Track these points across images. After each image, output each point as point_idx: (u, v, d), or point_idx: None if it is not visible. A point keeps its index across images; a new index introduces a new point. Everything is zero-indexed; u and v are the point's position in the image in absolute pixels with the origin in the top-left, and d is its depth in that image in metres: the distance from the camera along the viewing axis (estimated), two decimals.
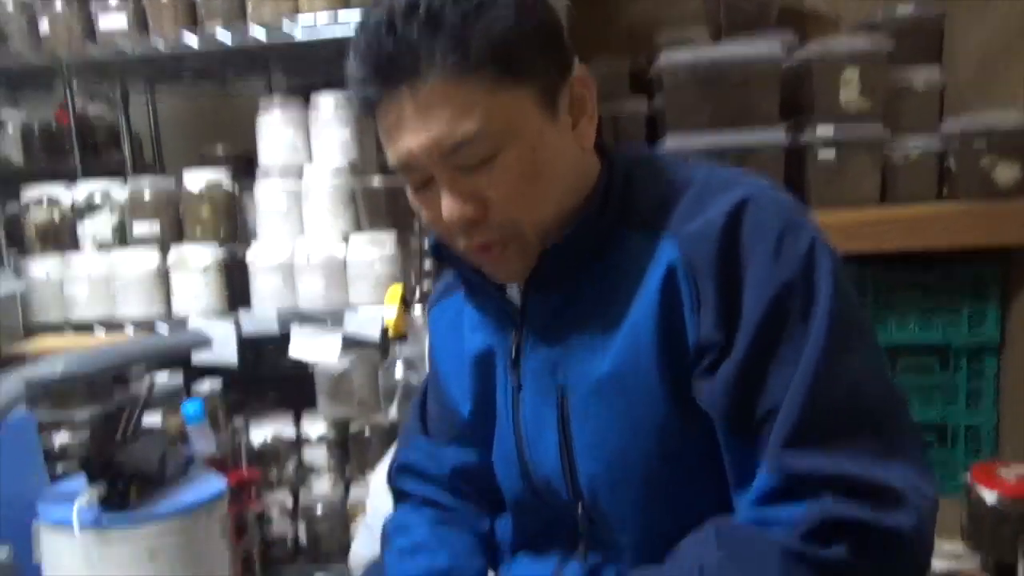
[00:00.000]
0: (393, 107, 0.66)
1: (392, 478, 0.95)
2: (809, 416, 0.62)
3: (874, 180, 1.72)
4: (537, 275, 0.74)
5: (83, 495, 1.13)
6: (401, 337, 1.62)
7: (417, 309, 1.65)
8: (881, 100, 1.69)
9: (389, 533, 0.91)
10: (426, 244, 1.66)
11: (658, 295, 0.69)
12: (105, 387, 1.61)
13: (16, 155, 2.22)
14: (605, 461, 0.73)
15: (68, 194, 1.84)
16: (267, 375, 1.98)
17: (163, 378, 1.58)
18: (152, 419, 1.52)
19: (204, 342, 1.32)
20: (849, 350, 0.64)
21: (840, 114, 1.69)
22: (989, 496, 1.50)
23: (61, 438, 1.45)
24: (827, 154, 1.71)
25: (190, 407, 1.52)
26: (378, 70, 0.66)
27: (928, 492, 0.61)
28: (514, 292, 0.80)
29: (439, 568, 0.84)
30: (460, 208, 0.68)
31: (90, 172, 2.09)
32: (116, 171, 2.18)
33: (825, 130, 1.69)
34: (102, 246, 1.82)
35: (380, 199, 1.75)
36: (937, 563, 1.48)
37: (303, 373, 1.89)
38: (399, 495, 0.95)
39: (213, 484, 1.29)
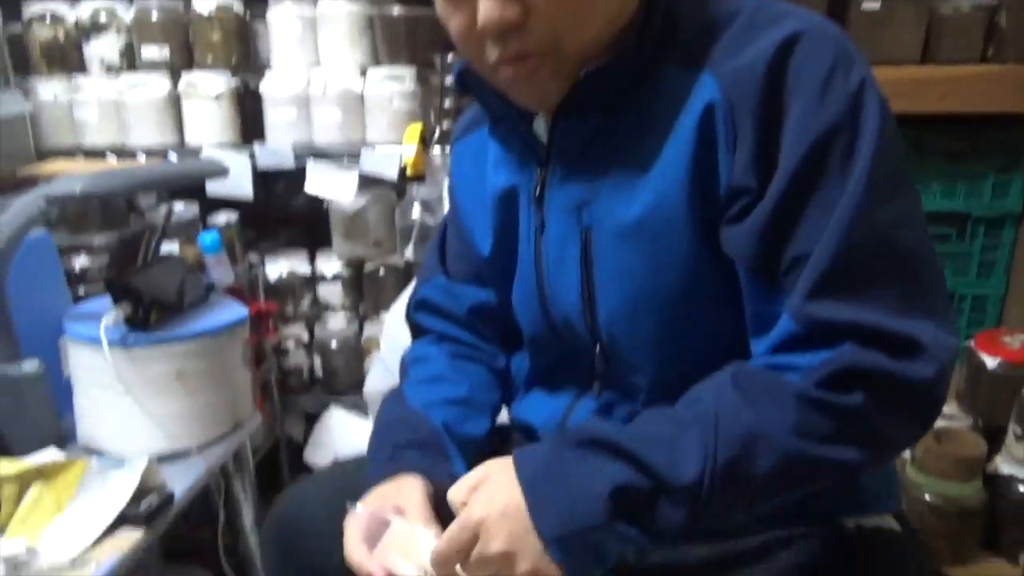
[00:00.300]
0: None
1: (410, 313, 0.96)
2: (838, 265, 0.60)
3: (918, 36, 1.63)
4: (567, 105, 0.71)
5: (109, 313, 1.15)
6: (419, 178, 1.60)
7: (436, 150, 1.62)
8: None
9: (408, 364, 0.93)
10: (448, 80, 1.60)
11: (694, 133, 0.65)
12: (121, 214, 1.60)
13: None
14: (626, 299, 0.72)
15: (72, 12, 1.75)
16: (281, 212, 1.98)
17: (179, 208, 1.57)
18: (169, 248, 1.53)
19: (222, 171, 1.29)
20: (888, 199, 0.62)
21: None
22: (990, 361, 1.52)
23: (80, 262, 1.46)
24: (872, 4, 1.62)
25: (207, 237, 1.53)
26: None
27: (950, 345, 0.61)
28: (541, 127, 0.77)
29: (458, 397, 0.86)
30: (500, 9, 0.63)
31: None
32: None
33: None
34: (110, 69, 1.75)
35: (400, 29, 1.67)
36: None
37: (318, 211, 1.88)
38: (417, 330, 0.96)
39: (235, 310, 1.30)
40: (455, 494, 0.67)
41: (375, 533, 0.70)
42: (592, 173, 0.73)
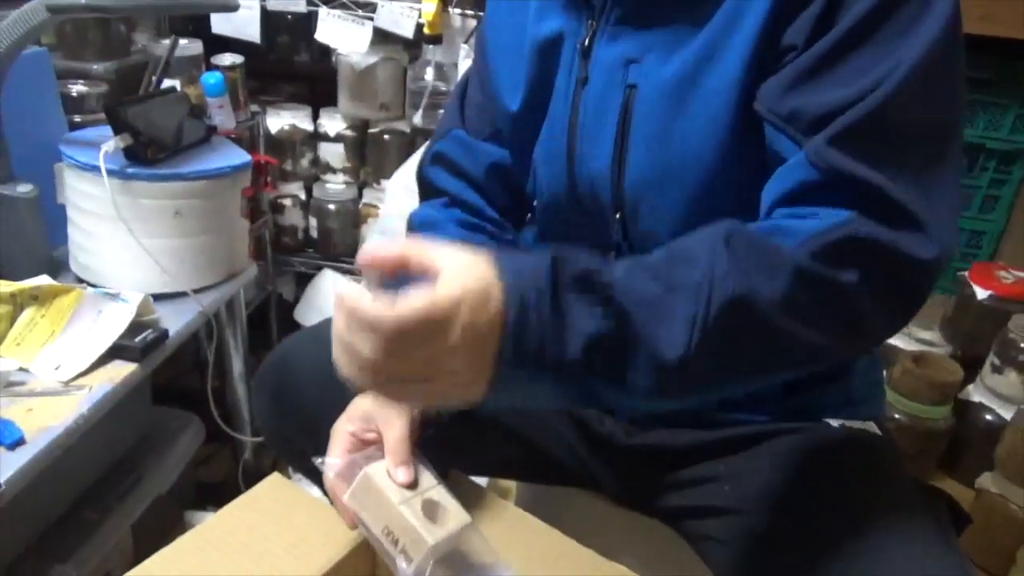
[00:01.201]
0: None
1: (424, 167, 0.92)
2: (874, 121, 0.58)
3: None
4: None
5: (109, 142, 1.11)
6: (435, 39, 1.53)
7: (457, 10, 1.54)
8: None
9: (415, 227, 0.90)
10: None
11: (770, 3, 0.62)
12: (122, 41, 1.52)
13: None
14: (657, 164, 0.70)
15: None
16: (285, 67, 1.89)
17: (182, 43, 1.50)
18: (171, 85, 1.46)
19: (231, 4, 1.23)
20: (942, 81, 0.60)
21: None
22: (981, 293, 1.54)
23: (77, 88, 1.39)
24: None
25: (211, 79, 1.47)
26: None
27: (951, 237, 0.60)
28: None
29: None
30: None
31: None
32: None
33: None
34: None
35: None
36: (907, 345, 1.55)
37: (324, 69, 1.81)
38: (428, 189, 0.92)
39: (237, 155, 1.27)
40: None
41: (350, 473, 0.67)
42: (647, 29, 0.70)
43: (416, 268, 0.54)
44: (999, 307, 1.50)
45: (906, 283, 0.60)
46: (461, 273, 0.52)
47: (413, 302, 0.50)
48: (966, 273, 1.59)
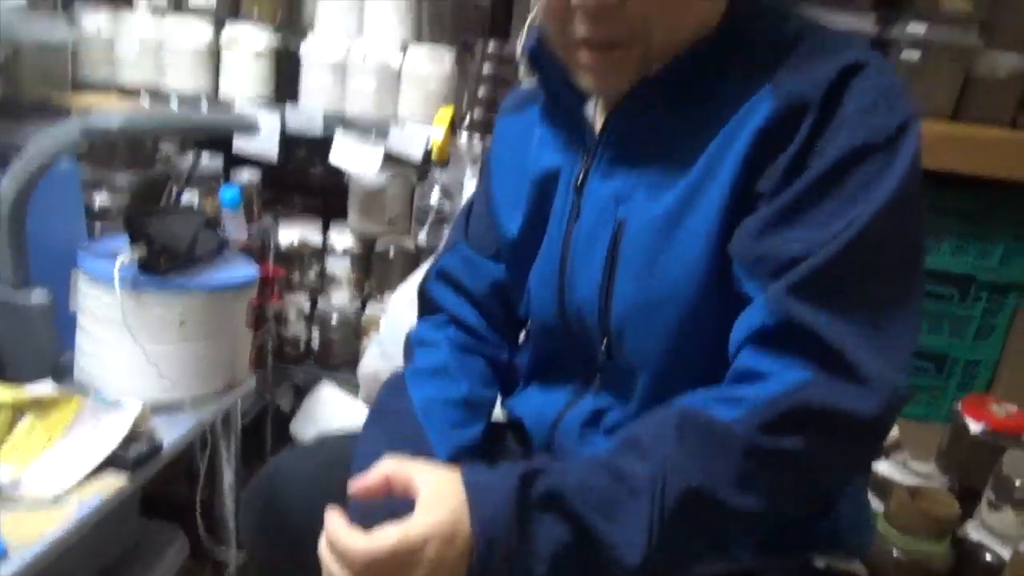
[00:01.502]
0: None
1: (428, 282, 0.96)
2: (831, 272, 0.61)
3: (952, 92, 1.64)
4: (629, 99, 0.73)
5: (125, 253, 1.15)
6: (443, 162, 1.61)
7: (464, 136, 1.63)
8: (985, 7, 1.58)
9: (412, 346, 0.93)
10: (485, 69, 1.61)
11: (750, 145, 0.67)
12: (148, 155, 1.61)
13: None
14: (642, 295, 0.74)
15: None
16: (302, 178, 1.98)
17: (204, 159, 1.58)
18: (190, 197, 1.53)
19: (254, 127, 1.30)
20: (900, 237, 0.64)
21: (936, 13, 1.58)
22: (975, 426, 1.54)
23: (101, 199, 1.46)
24: (911, 55, 1.63)
25: (228, 192, 1.54)
26: None
27: (903, 389, 0.62)
28: (593, 114, 0.79)
29: (456, 397, 0.86)
30: None
31: None
32: None
33: (916, 28, 1.59)
34: (156, 10, 1.75)
35: (445, 9, 1.67)
36: (903, 478, 1.54)
37: (338, 182, 1.89)
38: (429, 304, 0.96)
39: (246, 269, 1.32)
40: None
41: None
42: (637, 168, 0.75)
43: (398, 491, 0.61)
44: (993, 441, 1.50)
45: (853, 441, 0.62)
46: (434, 505, 0.59)
47: (385, 536, 0.58)
48: (959, 404, 1.59)
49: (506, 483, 0.60)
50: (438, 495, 0.60)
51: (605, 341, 0.78)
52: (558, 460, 0.69)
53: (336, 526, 0.61)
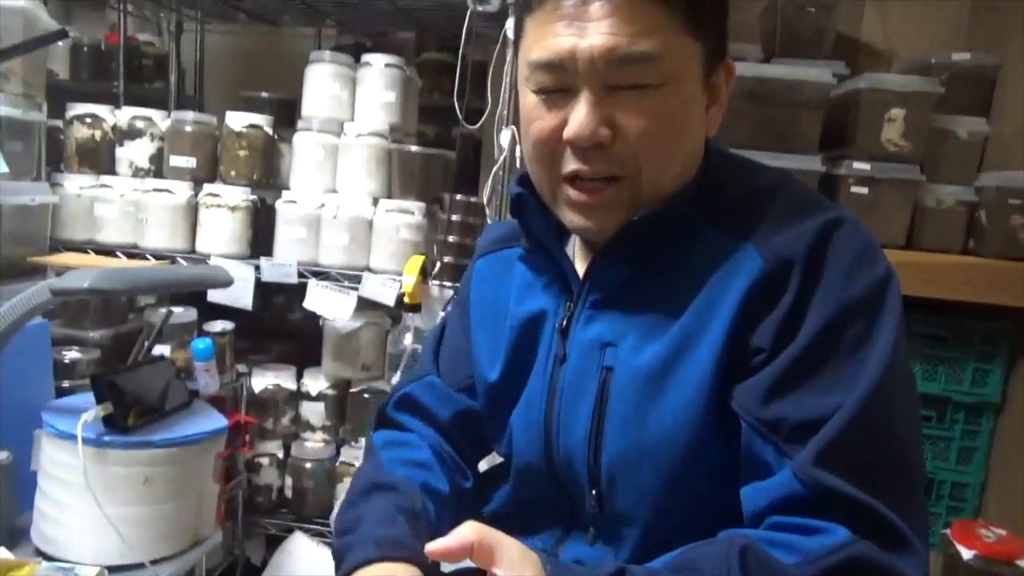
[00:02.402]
0: (578, 1, 0.66)
1: (389, 408, 0.92)
2: (848, 439, 0.62)
3: (903, 222, 1.72)
4: (612, 244, 0.74)
5: (90, 411, 1.15)
6: (415, 307, 1.64)
7: (435, 282, 1.67)
8: (923, 144, 1.69)
9: (378, 447, 0.88)
10: (454, 218, 1.68)
11: (739, 304, 0.68)
12: (120, 311, 1.63)
13: (62, 71, 2.24)
14: (632, 445, 0.73)
15: (112, 116, 1.86)
16: (276, 325, 2.00)
17: (177, 311, 1.60)
18: (162, 350, 1.54)
19: (227, 280, 1.33)
20: (898, 392, 0.65)
21: (879, 152, 1.69)
22: (966, 553, 1.51)
23: (71, 355, 1.47)
24: (860, 189, 1.72)
25: (200, 344, 1.55)
26: None
27: (927, 549, 0.63)
28: (576, 259, 0.80)
29: (440, 490, 0.82)
30: (595, 125, 0.67)
31: (131, 98, 2.10)
32: (157, 100, 2.21)
33: (862, 166, 1.69)
34: (137, 173, 1.83)
35: (415, 166, 1.76)
36: None
37: (312, 328, 1.91)
38: (389, 425, 0.91)
39: (214, 421, 1.31)
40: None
41: None
42: (622, 315, 0.75)
43: (481, 560, 0.59)
44: (985, 568, 1.46)
45: None
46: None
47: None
48: (948, 531, 1.56)
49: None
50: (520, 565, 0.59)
51: (595, 492, 0.76)
52: None
53: None
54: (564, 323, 0.78)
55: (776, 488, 0.64)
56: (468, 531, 0.59)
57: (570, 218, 0.74)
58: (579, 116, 0.67)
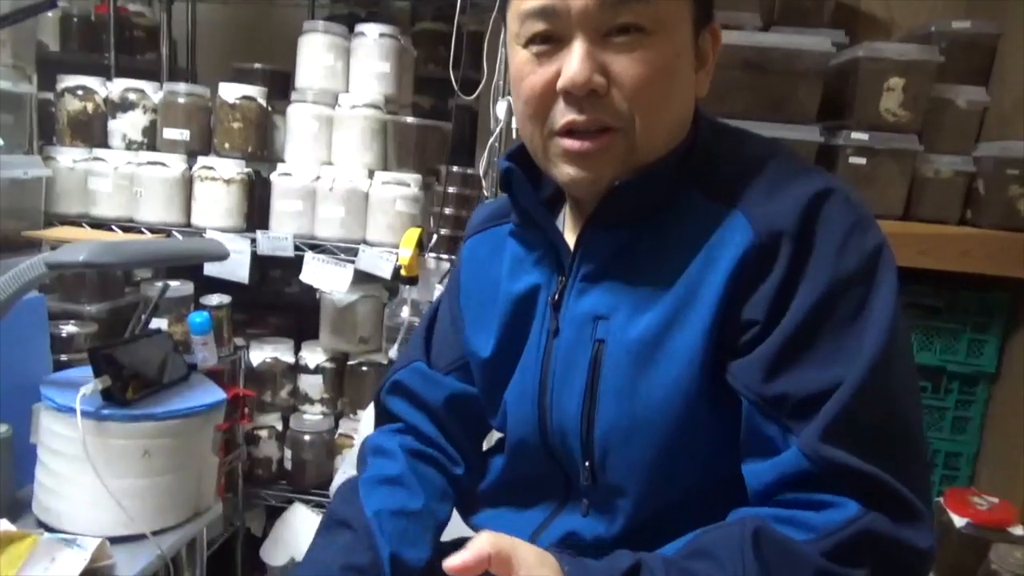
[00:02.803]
0: None
1: (382, 395, 0.93)
2: (853, 413, 0.62)
3: (900, 193, 1.71)
4: (599, 214, 0.73)
5: (88, 385, 1.15)
6: (412, 279, 1.64)
7: (431, 255, 1.67)
8: (921, 113, 1.68)
9: (367, 454, 0.90)
10: (451, 190, 1.67)
11: (731, 272, 0.68)
12: (117, 285, 1.63)
13: (52, 42, 2.21)
14: (625, 417, 0.73)
15: (104, 88, 1.84)
16: (274, 298, 2.00)
17: (174, 285, 1.60)
18: (159, 324, 1.54)
19: (222, 254, 1.33)
20: (898, 362, 0.65)
21: (878, 122, 1.68)
22: (959, 521, 1.52)
23: (68, 329, 1.47)
24: (858, 160, 1.71)
25: (197, 318, 1.55)
26: None
27: (932, 513, 0.64)
28: (566, 232, 0.80)
29: (412, 510, 0.83)
30: (589, 72, 0.66)
31: (122, 70, 2.08)
32: (149, 72, 2.18)
33: (860, 136, 1.68)
34: (130, 145, 1.82)
35: (411, 137, 1.75)
36: None
37: (309, 301, 1.91)
38: (385, 415, 0.94)
39: (213, 394, 1.31)
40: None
41: None
42: (614, 287, 0.75)
43: (497, 566, 0.60)
44: (978, 535, 1.48)
45: (912, 569, 0.62)
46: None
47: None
48: (941, 499, 1.58)
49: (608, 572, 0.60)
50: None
51: (588, 464, 0.76)
52: None
53: None
54: (556, 297, 0.78)
55: (783, 464, 0.65)
56: (484, 543, 0.60)
57: (564, 170, 0.73)
58: (573, 64, 0.66)
